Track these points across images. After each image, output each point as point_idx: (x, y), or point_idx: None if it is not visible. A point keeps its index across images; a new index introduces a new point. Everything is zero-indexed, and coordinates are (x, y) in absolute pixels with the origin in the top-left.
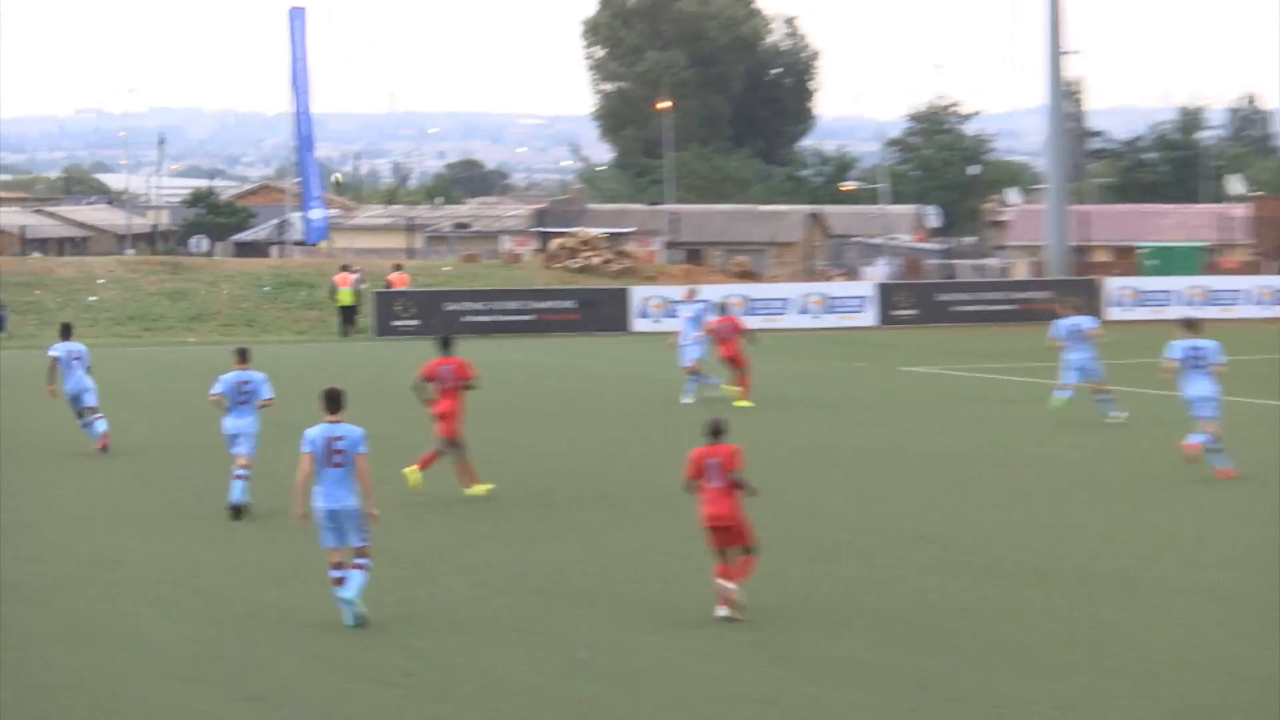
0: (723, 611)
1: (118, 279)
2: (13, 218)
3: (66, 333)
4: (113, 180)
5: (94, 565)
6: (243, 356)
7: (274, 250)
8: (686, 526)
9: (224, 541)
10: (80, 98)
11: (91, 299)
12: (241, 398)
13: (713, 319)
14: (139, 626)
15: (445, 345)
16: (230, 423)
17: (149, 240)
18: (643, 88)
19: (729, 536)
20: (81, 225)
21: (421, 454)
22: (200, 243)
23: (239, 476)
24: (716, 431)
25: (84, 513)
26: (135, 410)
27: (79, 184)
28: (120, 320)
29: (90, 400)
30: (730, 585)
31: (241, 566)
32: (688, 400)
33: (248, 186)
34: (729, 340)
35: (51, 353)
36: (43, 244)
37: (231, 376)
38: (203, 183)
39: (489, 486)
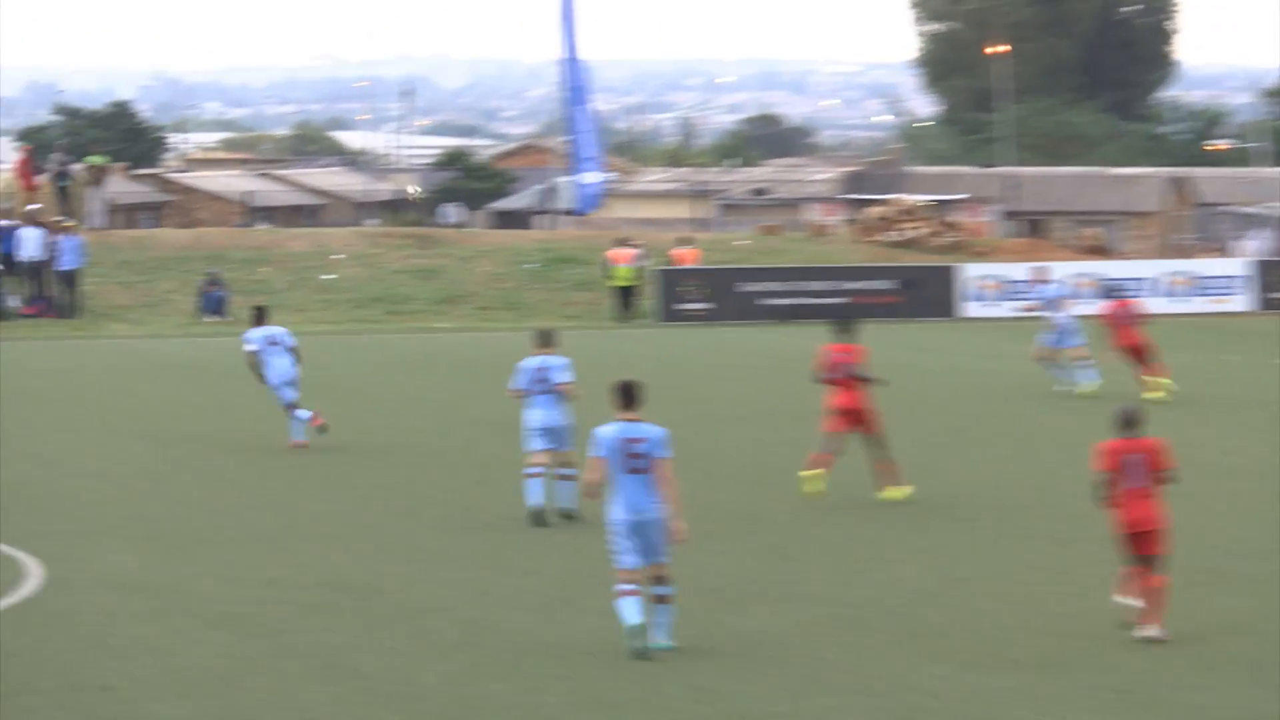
0: (1151, 631)
1: (357, 254)
2: (235, 182)
3: (261, 317)
4: (351, 138)
5: (342, 590)
6: (545, 340)
7: (539, 221)
8: (1040, 546)
9: (486, 563)
10: (313, 43)
11: (327, 277)
12: (541, 386)
13: (1071, 302)
14: (390, 663)
15: (842, 330)
16: (534, 415)
17: (393, 209)
18: (973, 29)
19: (1151, 544)
20: (315, 191)
21: (811, 454)
22: (453, 212)
23: (534, 475)
24: (1132, 423)
25: (329, 528)
26: (378, 409)
27: (311, 143)
28: (360, 302)
29: (291, 395)
30: (1153, 632)
31: (504, 592)
32: (1080, 389)
33: (508, 146)
34: (1126, 327)
35: (249, 346)
36: (270, 213)
37: (531, 363)
38: (455, 141)
39: (909, 490)
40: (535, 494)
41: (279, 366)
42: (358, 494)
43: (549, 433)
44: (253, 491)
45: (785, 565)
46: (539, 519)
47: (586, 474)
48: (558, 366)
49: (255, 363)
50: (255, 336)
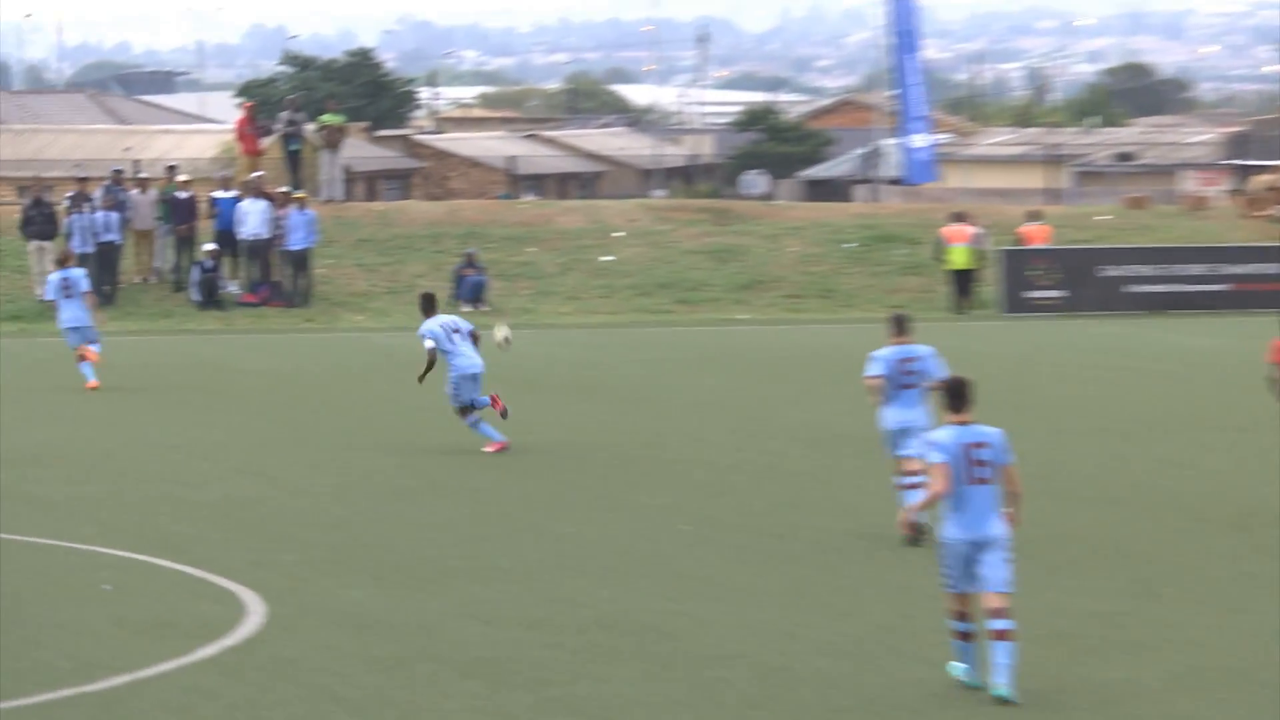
0: None
1: (642, 232)
2: (496, 146)
3: (432, 305)
4: (635, 93)
5: (619, 633)
6: (900, 327)
7: (859, 192)
8: None
9: (793, 601)
10: None
11: (605, 259)
12: (906, 380)
13: None
14: (676, 719)
15: None
16: (893, 415)
17: (685, 177)
18: None
19: None
20: (591, 156)
21: None
22: (757, 181)
23: (910, 486)
24: None
25: (604, 558)
26: (664, 416)
27: (587, 98)
28: (645, 289)
29: (476, 393)
30: None
31: (814, 635)
32: None
33: (822, 102)
34: None
35: (428, 339)
36: (537, 182)
37: (890, 353)
38: (759, 96)
39: None
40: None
41: (469, 357)
42: (638, 518)
43: (910, 435)
44: (513, 515)
45: (1152, 605)
46: (917, 535)
47: (933, 485)
48: (926, 356)
49: (435, 360)
50: (435, 329)
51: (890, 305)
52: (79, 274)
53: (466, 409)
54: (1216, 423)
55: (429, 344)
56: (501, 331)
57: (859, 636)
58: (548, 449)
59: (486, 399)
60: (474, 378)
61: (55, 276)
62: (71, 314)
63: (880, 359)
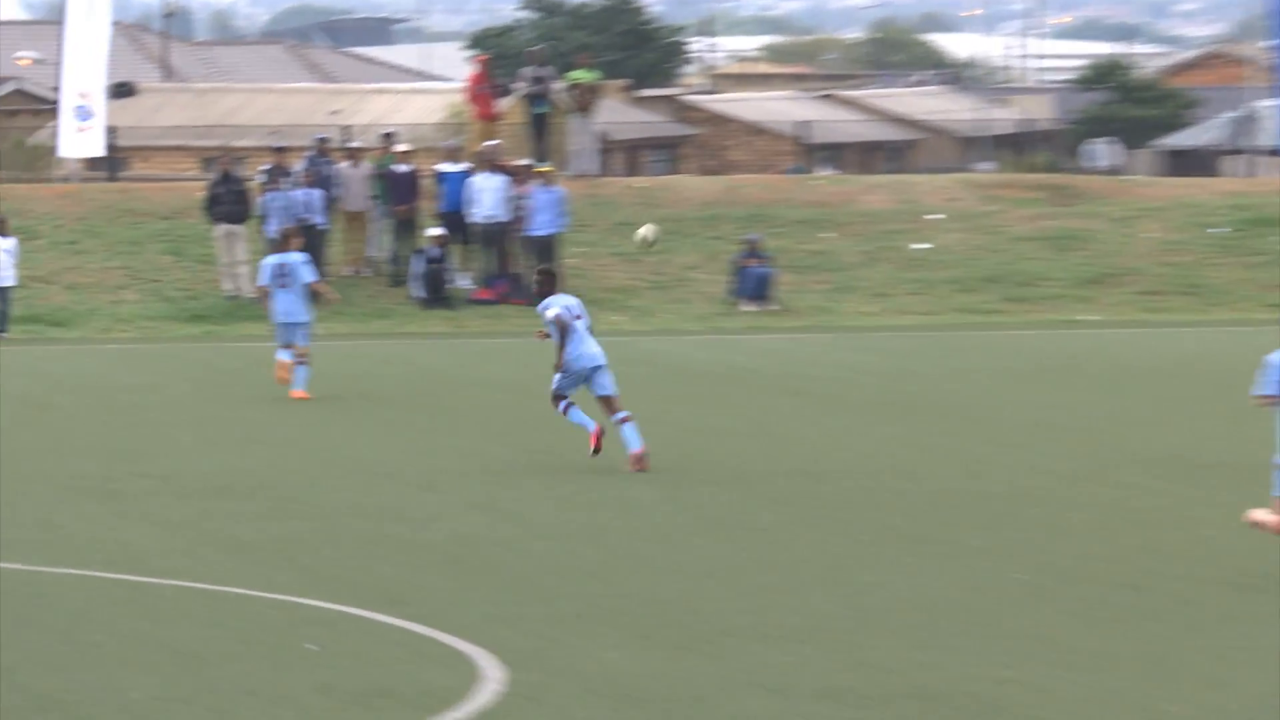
0: None
1: (963, 214)
2: (785, 108)
3: (552, 282)
4: (953, 44)
5: (938, 704)
6: None
7: (1230, 164)
8: None
9: (1155, 665)
10: None
11: (919, 247)
12: None
13: None
14: None
15: None
16: None
17: (1016, 147)
18: None
19: None
20: (901, 121)
21: None
22: (1104, 151)
23: None
24: None
25: (919, 614)
26: (992, 437)
27: (896, 50)
28: (967, 284)
29: (611, 385)
30: None
31: (1184, 713)
32: None
33: (1184, 55)
34: None
35: (551, 307)
36: (835, 153)
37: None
38: (1106, 48)
39: None
40: None
41: (588, 346)
42: (959, 564)
43: None
44: (807, 560)
45: None
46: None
47: (1276, 517)
48: None
49: (566, 327)
50: (555, 308)
51: (1269, 304)
52: (298, 259)
53: (559, 398)
54: None
55: (552, 312)
56: (647, 230)
57: (1233, 711)
58: (848, 479)
59: (632, 442)
60: (594, 370)
61: (272, 260)
62: (285, 307)
63: (1274, 365)
